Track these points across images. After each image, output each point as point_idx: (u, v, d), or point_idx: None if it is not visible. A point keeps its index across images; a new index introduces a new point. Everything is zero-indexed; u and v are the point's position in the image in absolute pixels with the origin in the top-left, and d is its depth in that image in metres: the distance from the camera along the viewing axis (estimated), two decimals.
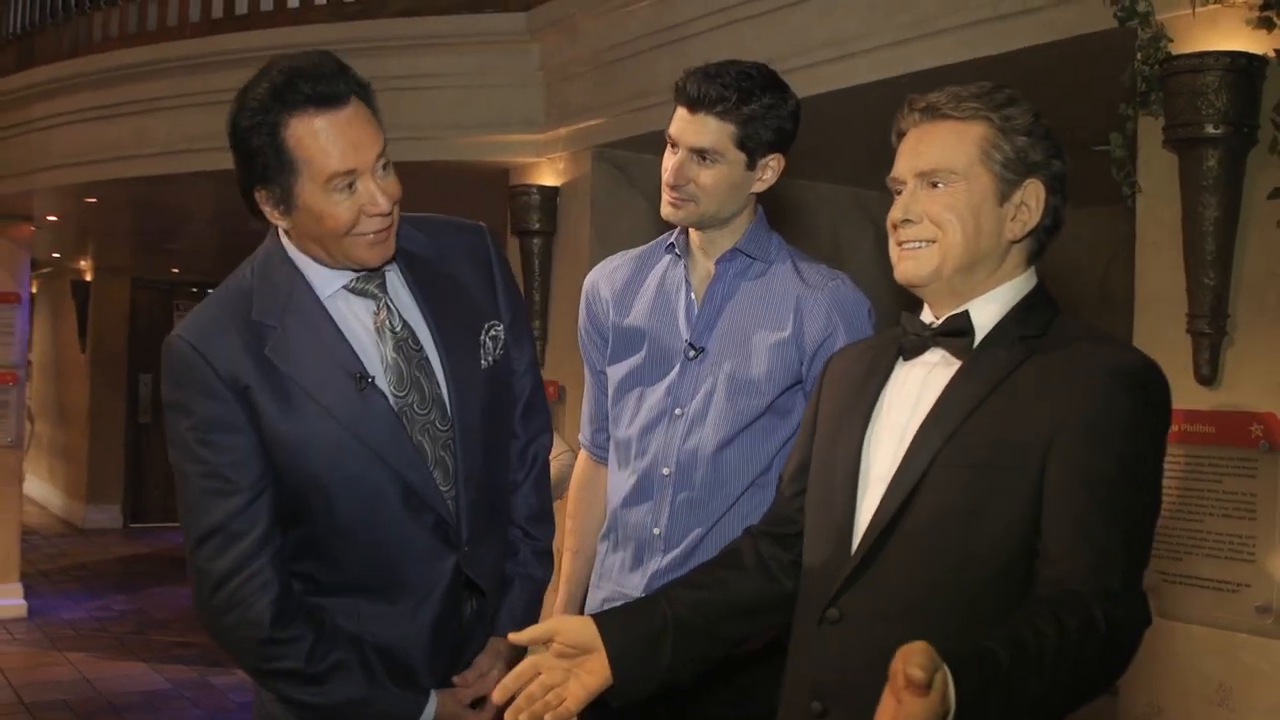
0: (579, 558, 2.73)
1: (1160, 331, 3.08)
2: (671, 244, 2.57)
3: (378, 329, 2.08)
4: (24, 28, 7.22)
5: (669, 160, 2.44)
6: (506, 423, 2.25)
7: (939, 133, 1.79)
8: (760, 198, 2.52)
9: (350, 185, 1.97)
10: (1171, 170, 3.05)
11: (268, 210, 2.03)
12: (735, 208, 2.46)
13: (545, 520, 2.33)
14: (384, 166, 2.01)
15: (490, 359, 2.17)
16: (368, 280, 2.09)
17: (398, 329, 2.09)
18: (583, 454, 2.77)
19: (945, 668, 1.33)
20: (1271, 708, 2.84)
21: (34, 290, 13.31)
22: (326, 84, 1.96)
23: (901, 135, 1.86)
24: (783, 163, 2.47)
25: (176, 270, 12.01)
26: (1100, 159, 3.16)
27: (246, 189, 2.03)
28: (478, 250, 2.24)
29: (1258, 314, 2.94)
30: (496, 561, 2.21)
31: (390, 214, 2.02)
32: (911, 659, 1.29)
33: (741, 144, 2.39)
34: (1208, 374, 2.98)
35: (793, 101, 2.45)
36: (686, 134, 2.40)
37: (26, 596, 8.32)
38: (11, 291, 8.29)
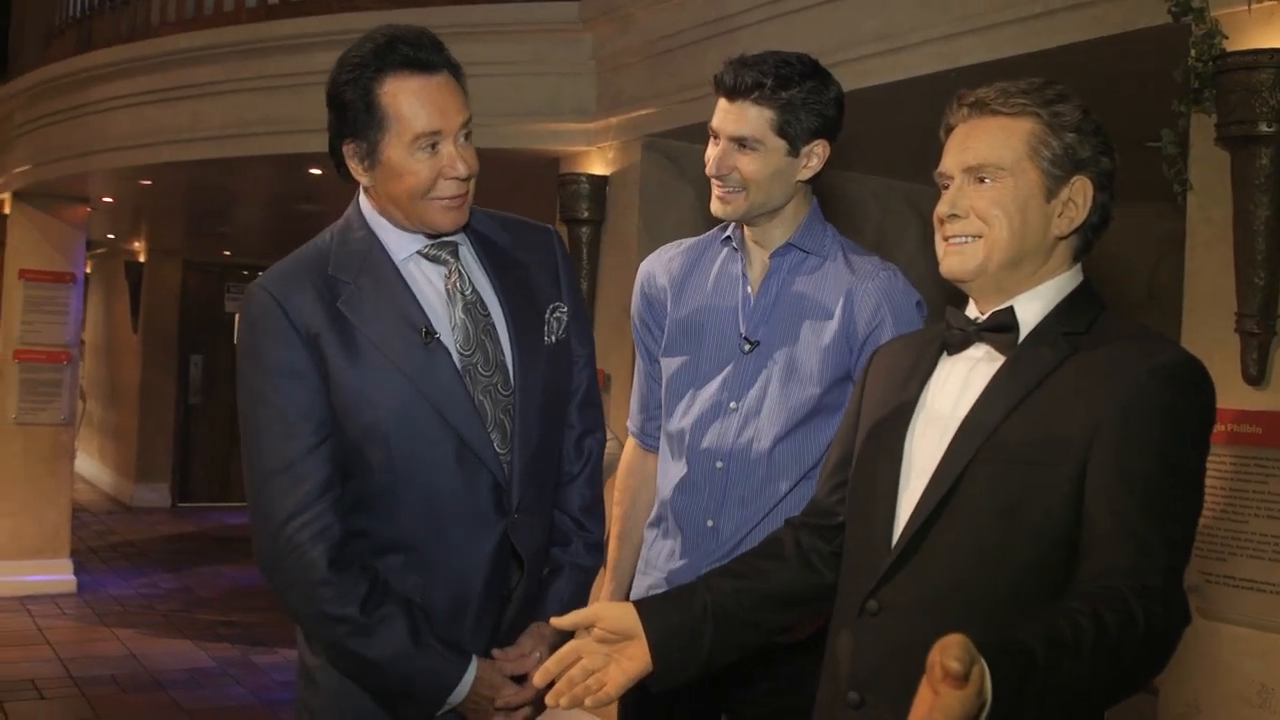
0: (625, 544, 2.74)
1: (1209, 331, 3.06)
2: (729, 236, 2.58)
3: (448, 291, 2.17)
4: (83, 12, 7.31)
5: (710, 151, 2.46)
6: (564, 406, 2.30)
7: (987, 128, 1.80)
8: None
9: (433, 146, 2.08)
10: (1223, 168, 3.03)
11: (353, 165, 2.13)
12: (783, 197, 2.46)
13: (597, 513, 2.38)
14: (466, 136, 2.12)
15: (554, 337, 2.24)
16: (441, 247, 2.19)
17: (467, 293, 2.18)
18: (631, 441, 2.78)
19: (982, 660, 1.34)
20: None
21: (88, 270, 13.49)
22: (424, 51, 2.10)
23: (950, 130, 1.86)
24: (829, 150, 2.46)
25: (228, 253, 12.13)
26: (1149, 155, 3.13)
27: (335, 143, 2.14)
28: (546, 248, 2.33)
29: None
30: (541, 538, 2.25)
31: (467, 181, 2.12)
32: (949, 651, 1.30)
33: (781, 130, 2.40)
34: (1256, 374, 2.96)
35: (835, 88, 2.46)
36: (726, 123, 2.42)
37: (76, 572, 8.43)
38: (66, 272, 8.39)
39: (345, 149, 2.13)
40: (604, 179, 5.38)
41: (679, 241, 2.71)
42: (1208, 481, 2.96)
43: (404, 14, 5.55)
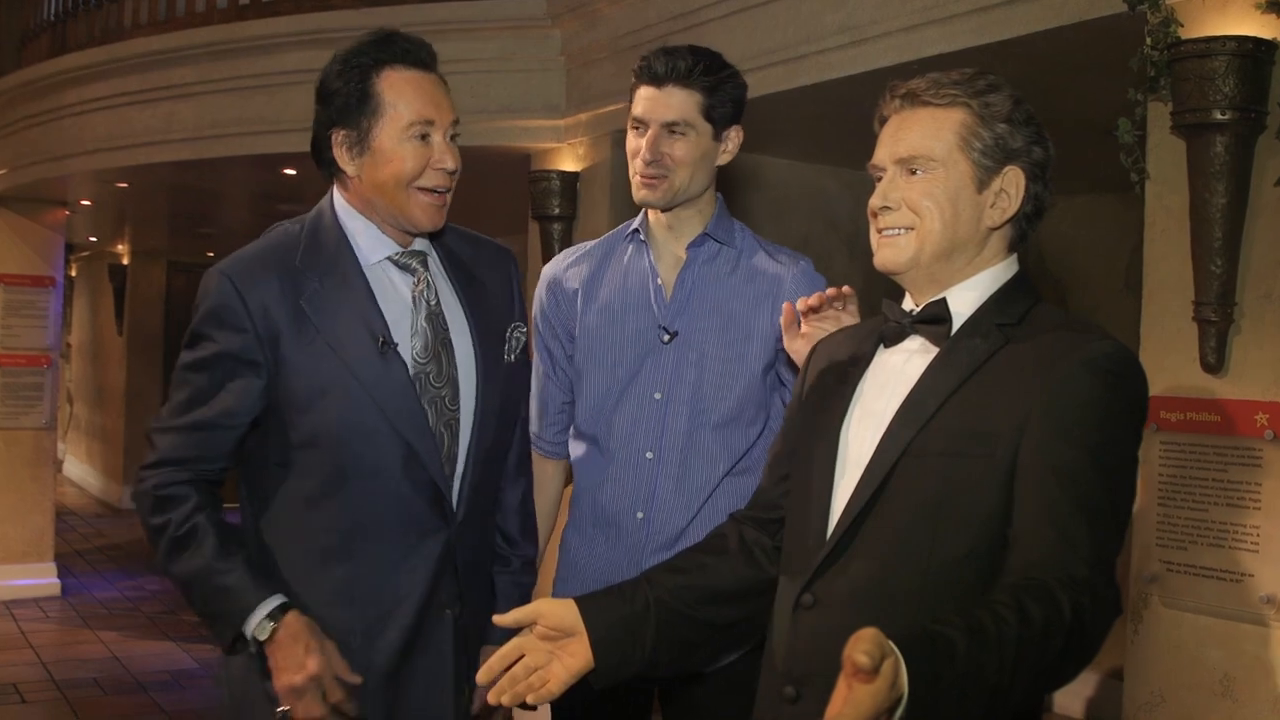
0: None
1: (1168, 319, 3.06)
2: (635, 230, 2.61)
3: (414, 298, 2.19)
4: (57, 15, 7.29)
5: (636, 141, 2.49)
6: (513, 424, 2.35)
7: (918, 119, 1.80)
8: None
9: (424, 137, 2.14)
10: (1179, 156, 3.02)
11: (339, 154, 2.16)
12: (705, 182, 2.52)
13: (532, 534, 2.44)
14: (453, 136, 2.18)
15: (513, 356, 2.29)
16: (411, 255, 2.22)
17: (432, 302, 2.21)
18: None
19: (897, 653, 1.33)
20: (1275, 699, 2.83)
21: (73, 273, 13.47)
22: (422, 51, 2.18)
23: (883, 121, 1.87)
24: (742, 135, 2.55)
25: (212, 254, 12.10)
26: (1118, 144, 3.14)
27: (321, 134, 2.17)
28: (505, 269, 2.37)
29: (1265, 302, 2.91)
30: (479, 548, 2.27)
31: (451, 176, 2.17)
32: (859, 645, 1.29)
33: (708, 114, 2.47)
34: (1214, 362, 2.96)
35: (740, 75, 2.55)
36: (656, 109, 2.46)
37: (63, 575, 8.43)
38: (46, 275, 8.38)
39: (334, 136, 2.15)
40: (575, 175, 5.37)
41: (580, 245, 2.74)
42: (1168, 470, 2.99)
43: (375, 13, 5.55)
